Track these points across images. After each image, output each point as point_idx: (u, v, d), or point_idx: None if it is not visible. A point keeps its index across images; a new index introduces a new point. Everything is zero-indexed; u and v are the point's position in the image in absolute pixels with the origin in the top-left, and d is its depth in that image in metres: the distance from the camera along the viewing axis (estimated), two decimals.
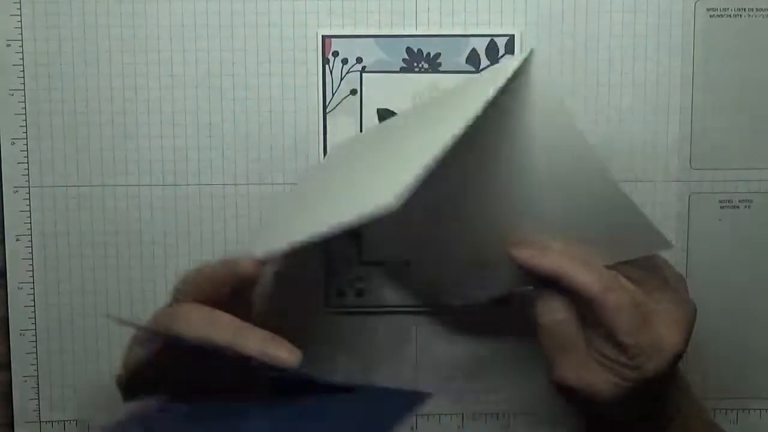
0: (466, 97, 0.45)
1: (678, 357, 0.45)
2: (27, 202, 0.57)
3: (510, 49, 0.56)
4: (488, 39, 0.56)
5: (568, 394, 0.47)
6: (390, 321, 0.58)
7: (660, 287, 0.46)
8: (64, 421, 0.58)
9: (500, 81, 0.42)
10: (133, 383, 0.46)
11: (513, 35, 0.56)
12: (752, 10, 0.56)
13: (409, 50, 0.56)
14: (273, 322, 0.45)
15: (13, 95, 0.56)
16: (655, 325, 0.45)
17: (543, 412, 0.59)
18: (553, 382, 0.47)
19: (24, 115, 0.56)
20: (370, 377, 0.59)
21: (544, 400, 0.59)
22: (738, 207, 0.57)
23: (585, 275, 0.44)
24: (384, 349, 0.59)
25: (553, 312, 0.46)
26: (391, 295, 0.52)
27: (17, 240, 0.57)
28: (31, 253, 0.57)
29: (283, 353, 0.43)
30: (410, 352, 0.59)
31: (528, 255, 0.46)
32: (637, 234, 0.44)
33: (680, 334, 0.45)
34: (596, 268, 0.45)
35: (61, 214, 0.57)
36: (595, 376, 0.45)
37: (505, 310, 0.57)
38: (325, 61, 0.56)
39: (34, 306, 0.58)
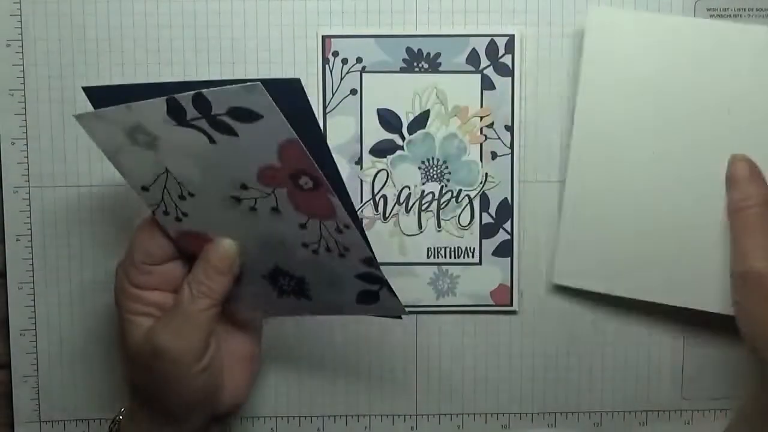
0: None
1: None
2: (27, 202, 0.57)
3: (510, 48, 0.56)
4: (488, 39, 0.56)
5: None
6: (390, 321, 0.58)
7: None
8: (64, 421, 0.58)
9: None
10: None
11: (513, 35, 0.56)
12: (752, 10, 0.56)
13: (409, 50, 0.56)
14: None
15: (13, 95, 0.56)
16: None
17: (543, 412, 0.59)
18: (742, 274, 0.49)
19: (24, 115, 0.56)
20: (370, 376, 0.59)
21: (544, 400, 0.59)
22: None
23: (739, 189, 0.51)
24: (384, 349, 0.59)
25: (745, 200, 0.50)
26: None
27: (17, 240, 0.57)
28: (31, 253, 0.57)
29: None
30: (410, 352, 0.59)
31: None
32: None
33: None
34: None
35: (61, 214, 0.57)
36: None
37: (507, 312, 0.57)
38: (325, 61, 0.56)
39: (34, 306, 0.58)
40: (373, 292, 0.49)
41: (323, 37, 0.56)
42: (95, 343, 0.58)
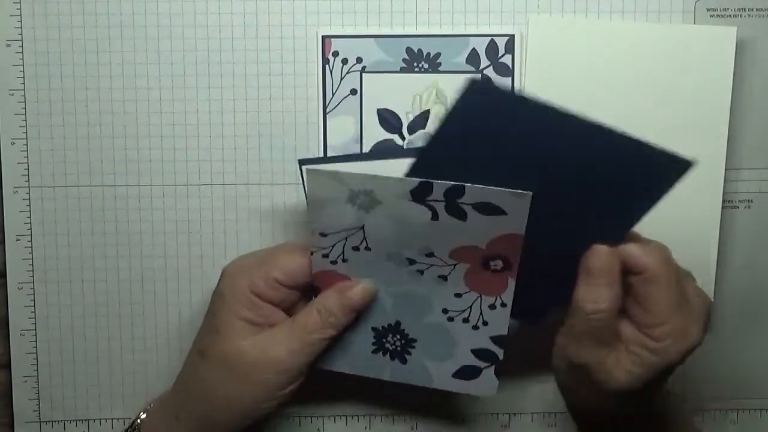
0: None
1: (695, 348, 0.46)
2: (27, 202, 0.57)
3: (510, 48, 0.56)
4: (488, 39, 0.56)
5: (575, 386, 0.48)
6: None
7: (686, 273, 0.47)
8: (64, 421, 0.59)
9: None
10: None
11: (513, 35, 0.56)
12: (752, 10, 0.56)
13: (409, 50, 0.56)
14: None
15: (13, 95, 0.56)
16: (685, 311, 0.45)
17: (543, 412, 0.59)
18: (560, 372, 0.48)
19: (24, 115, 0.56)
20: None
21: (544, 400, 0.59)
22: (738, 207, 0.57)
23: (642, 250, 0.44)
24: None
25: (598, 301, 0.44)
26: None
27: (17, 240, 0.57)
28: (31, 253, 0.57)
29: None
30: None
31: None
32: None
33: (701, 325, 0.46)
34: (653, 244, 0.45)
35: (61, 214, 0.57)
36: (616, 362, 0.45)
37: None
38: (325, 61, 0.56)
39: (34, 306, 0.58)
40: (477, 368, 0.49)
41: (323, 37, 0.56)
42: (95, 343, 0.58)
